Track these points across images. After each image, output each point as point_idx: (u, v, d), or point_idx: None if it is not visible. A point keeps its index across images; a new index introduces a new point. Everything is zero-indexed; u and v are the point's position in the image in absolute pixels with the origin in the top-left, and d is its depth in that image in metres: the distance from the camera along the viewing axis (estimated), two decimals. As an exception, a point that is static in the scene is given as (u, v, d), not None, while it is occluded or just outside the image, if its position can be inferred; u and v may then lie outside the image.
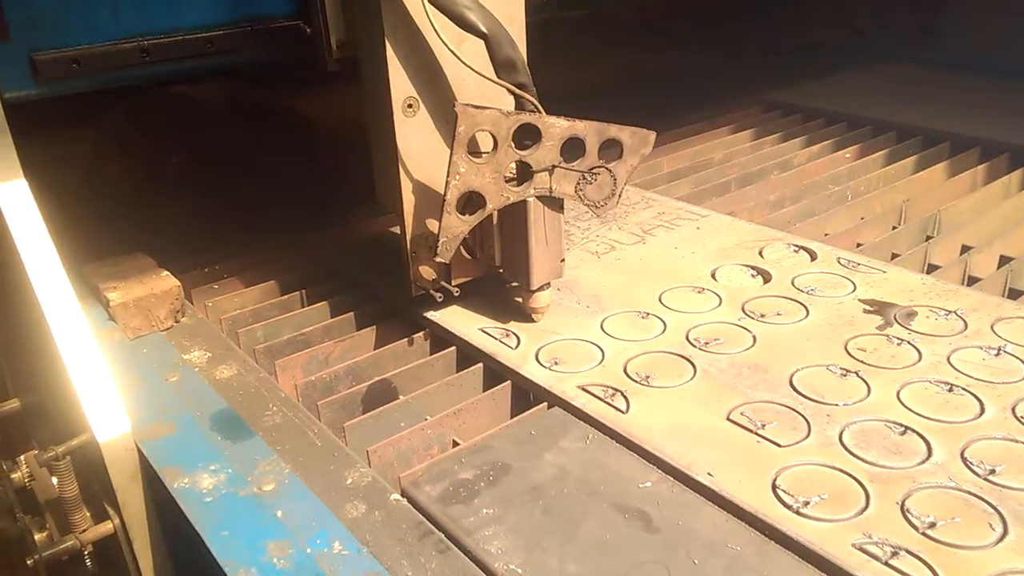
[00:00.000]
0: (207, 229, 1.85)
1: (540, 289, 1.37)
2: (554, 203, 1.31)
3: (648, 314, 1.41)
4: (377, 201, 1.49)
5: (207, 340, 1.43)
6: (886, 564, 0.88)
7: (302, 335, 1.48)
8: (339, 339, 1.45)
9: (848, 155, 2.32)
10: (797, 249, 1.63)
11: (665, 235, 1.73)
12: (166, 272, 1.50)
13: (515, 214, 1.31)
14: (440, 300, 1.39)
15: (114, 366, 1.20)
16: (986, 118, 2.41)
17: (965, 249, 1.77)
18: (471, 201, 1.26)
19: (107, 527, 1.17)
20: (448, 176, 1.21)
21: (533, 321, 1.40)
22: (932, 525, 0.93)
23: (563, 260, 1.38)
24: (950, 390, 1.16)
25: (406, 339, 1.44)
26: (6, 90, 1.31)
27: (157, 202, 2.00)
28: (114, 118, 1.99)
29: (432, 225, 1.35)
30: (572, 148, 1.25)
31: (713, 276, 1.54)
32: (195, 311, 1.54)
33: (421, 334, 1.45)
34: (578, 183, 1.27)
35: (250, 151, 2.16)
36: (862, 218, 1.94)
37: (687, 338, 1.33)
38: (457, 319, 1.44)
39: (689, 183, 2.17)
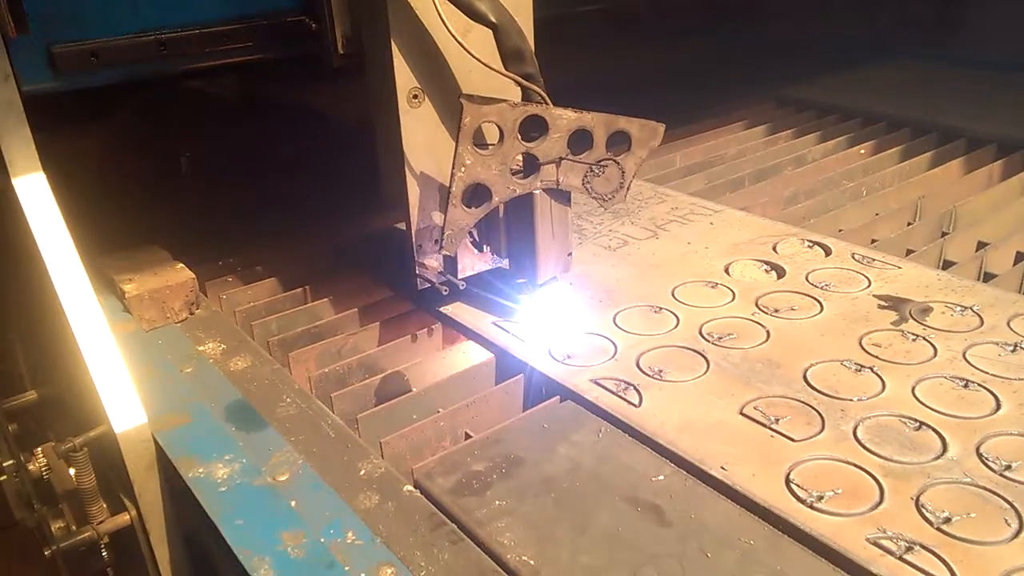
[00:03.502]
0: (222, 222, 1.86)
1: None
2: (561, 196, 1.30)
3: (661, 308, 1.41)
4: (383, 194, 1.48)
5: (221, 332, 1.44)
6: (900, 559, 0.88)
7: (315, 327, 1.48)
8: (352, 332, 1.46)
9: (863, 151, 2.31)
10: (811, 245, 1.62)
11: (678, 230, 1.73)
12: (181, 264, 1.51)
13: (521, 207, 1.30)
14: (445, 294, 1.39)
15: (129, 357, 1.21)
16: (1002, 114, 2.39)
17: (981, 245, 1.76)
18: (477, 193, 1.24)
19: (124, 518, 1.18)
20: (453, 168, 1.20)
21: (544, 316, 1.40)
22: (947, 520, 0.92)
23: (570, 254, 1.37)
24: (965, 386, 1.16)
25: (419, 332, 1.44)
26: (24, 82, 1.31)
27: (172, 195, 2.01)
28: (129, 112, 2.00)
29: (437, 218, 1.34)
30: (579, 140, 1.24)
31: (726, 271, 1.54)
32: (209, 303, 1.55)
33: (434, 327, 1.45)
34: (585, 176, 1.26)
35: (263, 144, 2.17)
36: (877, 214, 1.93)
37: (700, 333, 1.33)
38: (470, 313, 1.44)
39: (703, 178, 2.16)
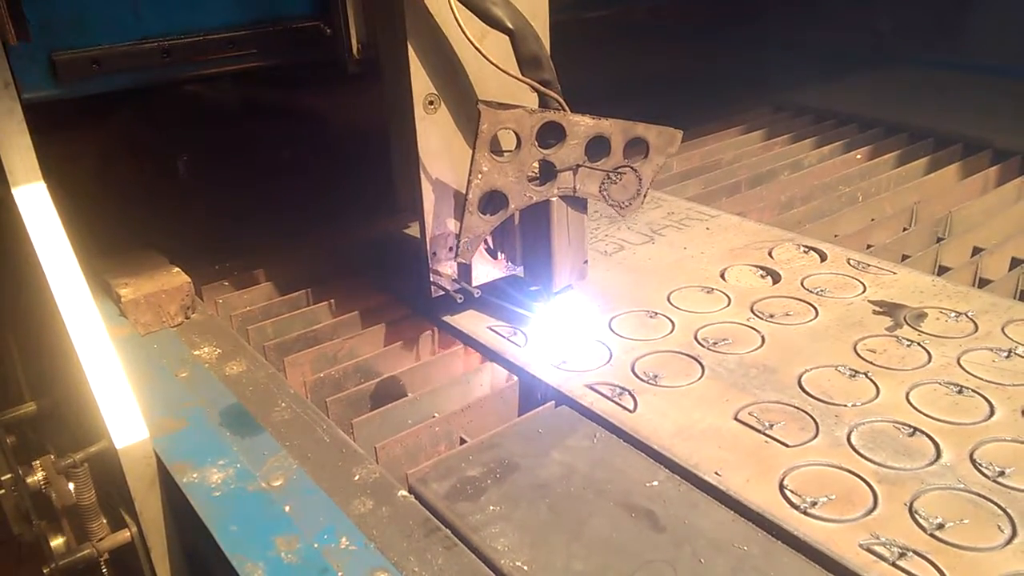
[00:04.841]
0: (218, 226, 1.86)
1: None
2: (578, 203, 1.29)
3: (656, 314, 1.41)
4: (397, 200, 1.47)
5: (217, 336, 1.44)
6: (893, 565, 0.88)
7: (311, 332, 1.48)
8: (348, 336, 1.46)
9: (859, 156, 2.31)
10: (807, 250, 1.62)
11: (674, 235, 1.73)
12: (177, 268, 1.51)
13: (537, 214, 1.29)
14: (460, 302, 1.38)
15: (125, 362, 1.21)
16: (999, 120, 2.39)
17: (976, 251, 1.77)
18: (493, 200, 1.23)
19: (124, 535, 1.17)
20: (470, 175, 1.18)
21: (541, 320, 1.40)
22: (940, 526, 0.92)
23: (586, 261, 1.37)
24: (960, 392, 1.16)
25: (415, 337, 1.44)
26: (25, 91, 1.30)
27: (169, 199, 2.01)
28: (127, 116, 2.00)
29: (453, 225, 1.34)
30: (596, 147, 1.23)
31: (722, 276, 1.54)
32: (205, 307, 1.55)
33: (430, 332, 1.45)
34: (602, 183, 1.24)
35: (262, 149, 2.17)
36: (872, 219, 1.93)
37: (695, 338, 1.33)
38: (466, 317, 1.44)
39: (699, 183, 2.16)
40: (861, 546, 0.91)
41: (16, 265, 1.38)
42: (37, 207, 1.26)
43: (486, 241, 1.31)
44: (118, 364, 1.17)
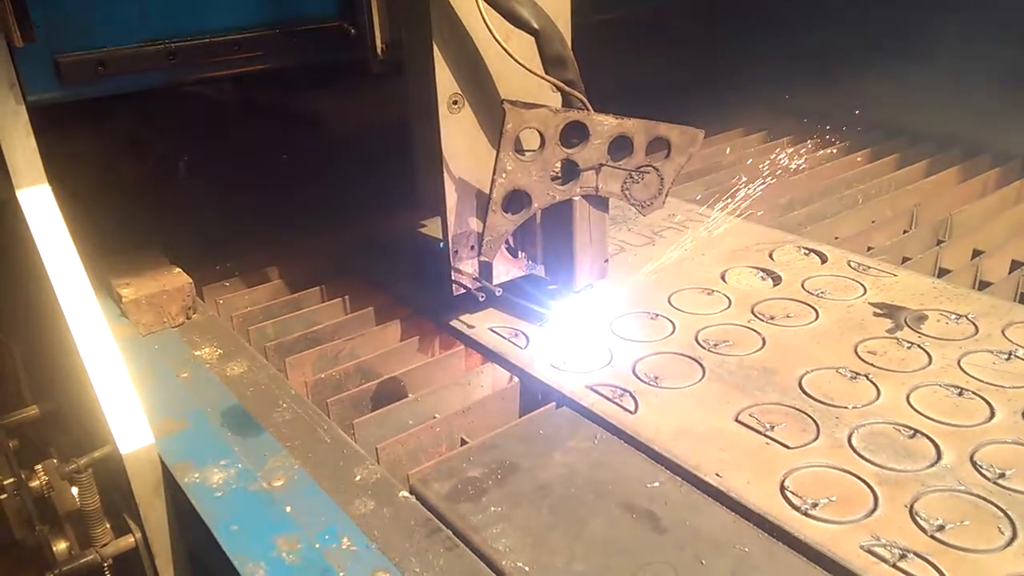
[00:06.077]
0: (220, 227, 1.86)
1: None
2: (599, 202, 1.29)
3: (657, 315, 1.41)
4: (418, 199, 1.47)
5: (218, 337, 1.44)
6: (894, 566, 0.88)
7: (312, 333, 1.48)
8: (349, 337, 1.46)
9: (860, 159, 2.32)
10: (808, 252, 1.63)
11: (675, 236, 1.73)
12: (178, 269, 1.51)
13: (559, 213, 1.29)
14: (482, 300, 1.38)
15: (126, 362, 1.21)
16: (999, 123, 2.39)
17: (976, 253, 1.77)
18: (516, 199, 1.23)
19: (128, 541, 1.16)
20: (494, 174, 1.18)
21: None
22: (941, 528, 0.93)
23: (607, 260, 1.37)
24: (960, 394, 1.16)
25: (416, 337, 1.44)
26: (30, 93, 1.29)
27: (171, 200, 2.01)
28: (129, 117, 2.00)
29: (475, 224, 1.34)
30: (618, 146, 1.23)
31: (723, 278, 1.54)
32: (206, 308, 1.55)
33: (431, 332, 1.45)
34: (624, 182, 1.25)
35: (263, 149, 2.17)
36: (873, 222, 1.93)
37: (696, 339, 1.33)
38: (468, 317, 1.44)
39: (700, 185, 2.16)
40: (862, 547, 0.91)
41: (20, 268, 1.38)
42: (42, 210, 1.25)
43: (507, 240, 1.31)
44: (123, 368, 1.17)
